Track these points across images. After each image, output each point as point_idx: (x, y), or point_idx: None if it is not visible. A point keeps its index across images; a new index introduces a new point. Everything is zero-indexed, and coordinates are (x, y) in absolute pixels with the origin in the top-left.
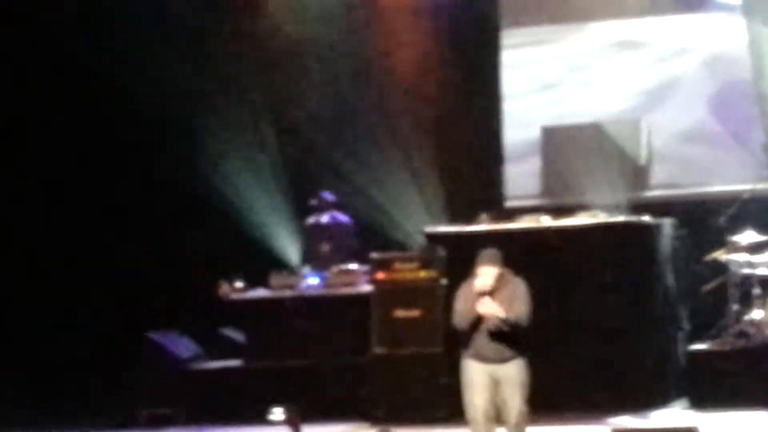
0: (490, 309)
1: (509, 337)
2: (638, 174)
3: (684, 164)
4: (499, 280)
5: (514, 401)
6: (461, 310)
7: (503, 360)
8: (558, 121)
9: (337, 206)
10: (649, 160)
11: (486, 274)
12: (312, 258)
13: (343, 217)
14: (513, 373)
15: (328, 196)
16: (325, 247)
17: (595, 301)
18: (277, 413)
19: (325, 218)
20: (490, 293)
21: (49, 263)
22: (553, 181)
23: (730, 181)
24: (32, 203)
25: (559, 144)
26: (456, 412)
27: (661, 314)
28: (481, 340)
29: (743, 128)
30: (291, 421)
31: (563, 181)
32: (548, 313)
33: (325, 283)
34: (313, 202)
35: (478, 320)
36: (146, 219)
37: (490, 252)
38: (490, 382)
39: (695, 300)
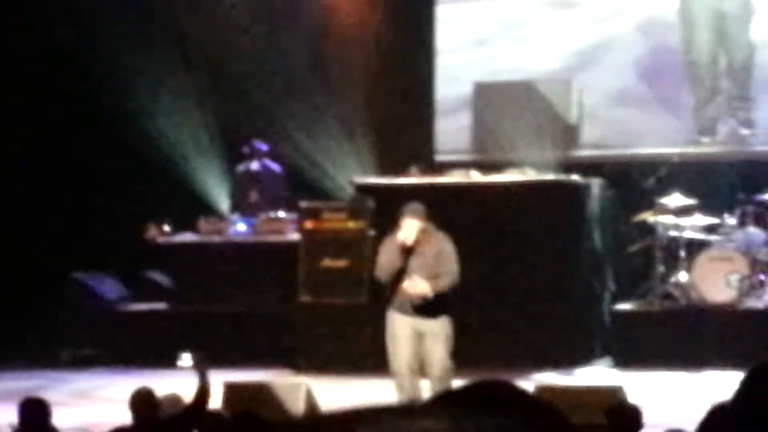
0: (418, 288)
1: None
2: (568, 133)
3: (614, 125)
4: (422, 234)
5: (438, 354)
6: (384, 263)
7: (421, 314)
8: (490, 78)
9: (268, 155)
10: (580, 120)
11: (409, 227)
12: (241, 205)
13: (274, 166)
14: (436, 327)
15: (260, 145)
16: (255, 196)
17: (521, 258)
18: (186, 359)
19: (255, 166)
20: (411, 247)
21: None
22: (484, 138)
23: (658, 143)
24: None
25: (490, 100)
26: (381, 362)
27: (587, 273)
28: (390, 293)
29: (673, 92)
30: (198, 367)
31: (494, 138)
32: (474, 270)
33: (254, 230)
34: (245, 150)
35: (401, 274)
36: (76, 160)
37: (414, 206)
38: (414, 335)
39: (622, 260)
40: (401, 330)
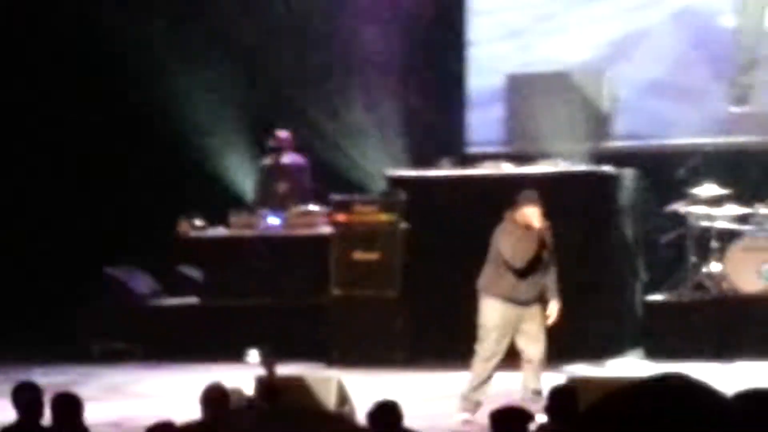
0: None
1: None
2: (601, 124)
3: (646, 116)
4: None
5: (539, 342)
6: (522, 251)
7: (532, 302)
8: (523, 69)
9: (293, 146)
10: (613, 110)
11: (537, 215)
12: (267, 198)
13: (299, 158)
14: (538, 315)
15: (285, 135)
16: (283, 187)
17: (553, 249)
18: (253, 355)
19: (282, 158)
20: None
21: (9, 198)
22: (516, 129)
23: (689, 134)
24: None
25: (523, 92)
26: (412, 355)
27: (618, 264)
28: (516, 282)
29: (705, 83)
30: (267, 363)
31: (526, 130)
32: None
33: (285, 223)
34: (270, 142)
35: (533, 263)
36: (108, 156)
37: (533, 193)
38: (515, 324)
39: (654, 251)
40: (506, 319)
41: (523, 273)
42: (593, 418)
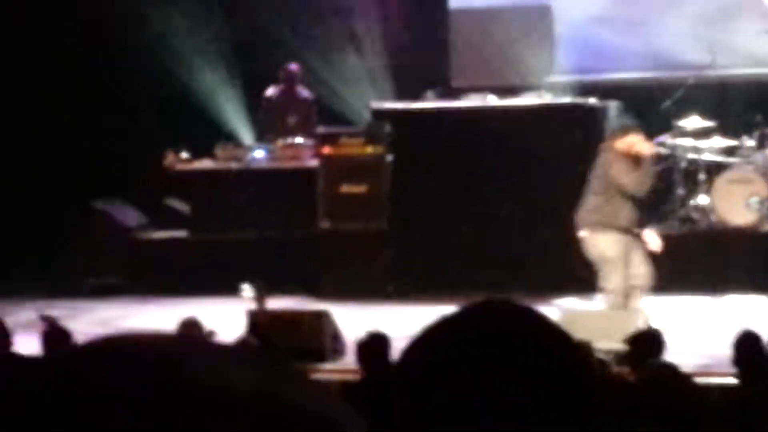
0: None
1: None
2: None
3: (591, 49)
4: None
5: (648, 265)
6: (642, 177)
7: (641, 227)
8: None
9: (303, 79)
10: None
11: (643, 141)
12: (275, 130)
13: (307, 92)
14: (642, 240)
15: (295, 68)
16: (292, 120)
17: (539, 182)
18: (246, 290)
19: (293, 91)
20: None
21: None
22: (497, 63)
23: (634, 68)
24: None
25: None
26: (400, 287)
27: None
28: (631, 211)
29: (648, 16)
30: (258, 298)
31: (505, 63)
32: (492, 194)
33: (271, 156)
34: (280, 74)
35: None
36: (95, 90)
37: (632, 121)
38: (630, 253)
39: None
40: (626, 248)
41: (635, 201)
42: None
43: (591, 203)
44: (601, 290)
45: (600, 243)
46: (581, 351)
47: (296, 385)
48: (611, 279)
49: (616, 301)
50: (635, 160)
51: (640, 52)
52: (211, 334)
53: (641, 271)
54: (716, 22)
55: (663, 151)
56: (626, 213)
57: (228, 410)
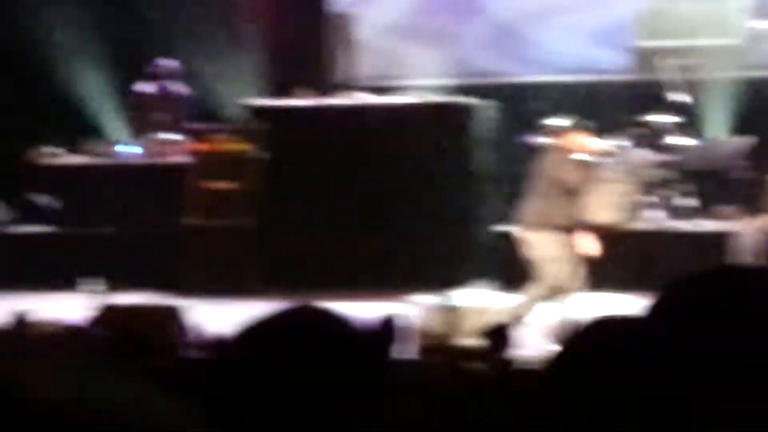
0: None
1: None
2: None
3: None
4: None
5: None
6: (586, 177)
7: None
8: None
9: (177, 75)
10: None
11: (590, 140)
12: (141, 127)
13: (182, 88)
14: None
15: (169, 63)
16: (159, 116)
17: (409, 180)
18: (85, 284)
19: (159, 86)
20: None
21: None
22: (377, 62)
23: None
24: None
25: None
26: (267, 285)
27: (475, 196)
28: (572, 210)
29: (451, 26)
30: (101, 292)
31: (386, 62)
32: (361, 191)
33: (143, 152)
34: (152, 70)
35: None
36: None
37: (582, 120)
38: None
39: (510, 182)
40: (565, 248)
41: (576, 201)
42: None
43: (533, 203)
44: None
45: (543, 243)
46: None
47: (120, 392)
48: (548, 275)
49: (542, 294)
50: (580, 158)
51: (443, 60)
52: (49, 328)
53: (577, 273)
54: (517, 29)
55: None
56: (568, 212)
57: (48, 420)
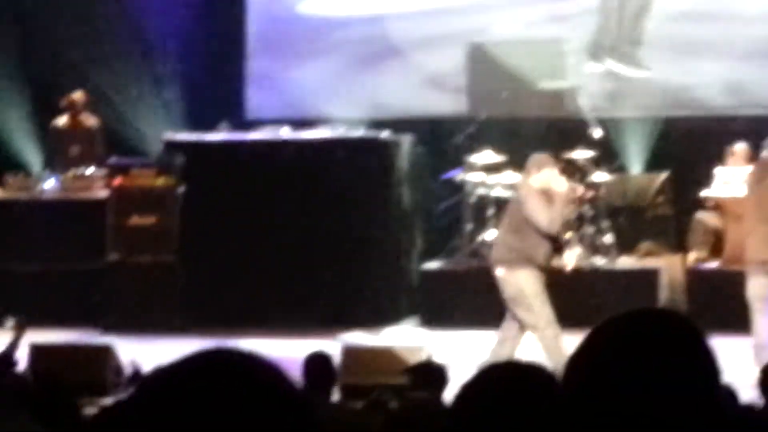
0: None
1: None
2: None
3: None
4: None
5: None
6: (558, 217)
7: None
8: None
9: (88, 108)
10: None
11: (558, 177)
12: (60, 161)
13: (94, 120)
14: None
15: (79, 96)
16: (75, 150)
17: (331, 215)
18: (8, 322)
19: (76, 120)
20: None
21: None
22: (296, 96)
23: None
24: None
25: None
26: (189, 321)
27: (395, 231)
28: (546, 247)
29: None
30: (16, 327)
31: (305, 97)
32: (284, 227)
33: (62, 186)
34: (63, 103)
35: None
36: None
37: (545, 155)
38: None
39: (431, 218)
40: (540, 284)
41: (549, 238)
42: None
43: (506, 241)
44: (531, 330)
45: (518, 281)
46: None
47: None
48: (539, 314)
49: (554, 332)
50: (549, 196)
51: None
52: None
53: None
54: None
55: (458, 182)
56: (542, 250)
57: None
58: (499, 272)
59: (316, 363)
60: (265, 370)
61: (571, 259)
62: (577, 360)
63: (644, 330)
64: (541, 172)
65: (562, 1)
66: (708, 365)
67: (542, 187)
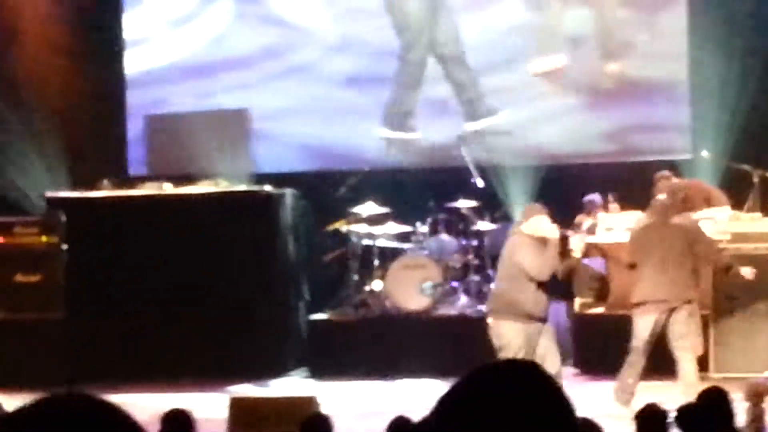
0: None
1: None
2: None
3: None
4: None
5: (555, 354)
6: (546, 262)
7: (545, 318)
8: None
9: None
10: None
11: (550, 224)
12: None
13: None
14: (551, 327)
15: None
16: None
17: (215, 269)
18: None
19: None
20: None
21: None
22: (172, 157)
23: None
24: None
25: (165, 129)
26: (76, 376)
27: (281, 284)
28: (536, 295)
29: None
30: None
31: (181, 155)
32: (169, 281)
33: None
34: None
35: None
36: None
37: (538, 204)
38: (534, 342)
39: (317, 270)
40: (521, 339)
41: (540, 286)
42: None
43: (497, 289)
44: None
45: (504, 332)
46: None
47: None
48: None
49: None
50: (540, 243)
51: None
52: None
53: (547, 361)
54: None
55: (343, 234)
56: (531, 298)
57: None
58: (489, 320)
59: (175, 421)
60: (111, 415)
61: (578, 245)
62: (444, 402)
63: (499, 381)
64: (529, 221)
65: None
66: (561, 407)
67: (533, 235)
